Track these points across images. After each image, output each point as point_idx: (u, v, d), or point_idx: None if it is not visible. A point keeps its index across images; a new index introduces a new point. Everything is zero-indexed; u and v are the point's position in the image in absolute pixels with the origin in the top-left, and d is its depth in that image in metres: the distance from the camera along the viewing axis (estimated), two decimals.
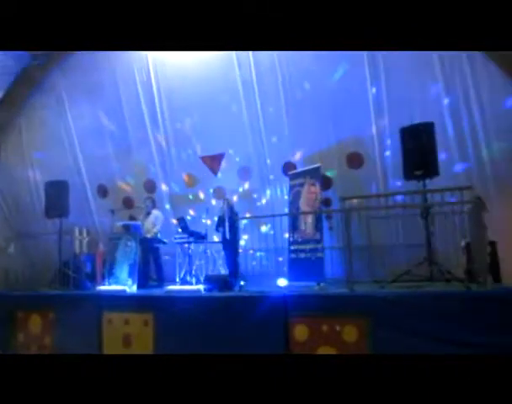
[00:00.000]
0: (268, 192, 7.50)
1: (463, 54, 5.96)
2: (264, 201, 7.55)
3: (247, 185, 7.66)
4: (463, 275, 5.04)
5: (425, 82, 6.25)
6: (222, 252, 7.05)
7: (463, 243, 5.22)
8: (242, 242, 6.91)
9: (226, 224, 6.60)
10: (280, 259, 6.67)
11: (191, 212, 8.02)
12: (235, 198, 7.60)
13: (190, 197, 8.08)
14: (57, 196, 7.68)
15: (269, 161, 7.40)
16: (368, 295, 4.90)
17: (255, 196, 7.59)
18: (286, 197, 7.11)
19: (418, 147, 5.40)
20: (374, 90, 6.58)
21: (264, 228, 7.22)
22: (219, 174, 7.80)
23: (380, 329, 4.57)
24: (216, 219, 7.15)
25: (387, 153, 6.53)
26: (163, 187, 8.20)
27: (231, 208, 6.79)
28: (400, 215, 6.20)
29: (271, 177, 7.44)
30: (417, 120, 5.88)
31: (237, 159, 7.67)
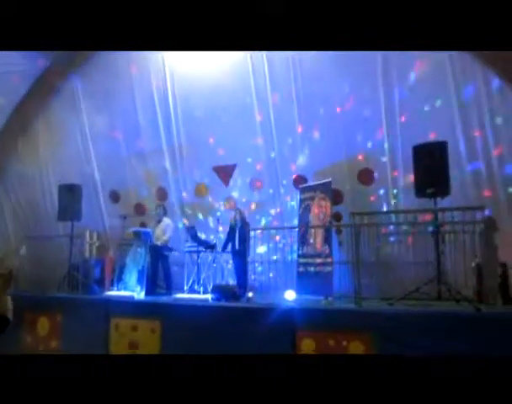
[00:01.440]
0: (278, 204, 7.51)
1: (479, 71, 5.98)
2: (273, 213, 7.57)
3: (257, 197, 7.69)
4: (473, 296, 5.03)
5: (439, 99, 6.27)
6: (231, 263, 7.08)
7: (473, 263, 5.20)
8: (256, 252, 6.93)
9: (237, 234, 6.64)
10: (293, 274, 6.65)
11: (202, 221, 8.06)
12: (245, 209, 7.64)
13: (202, 205, 8.13)
14: (70, 199, 7.79)
15: (280, 173, 7.44)
16: (376, 311, 4.90)
17: (267, 207, 7.61)
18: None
19: (431, 166, 5.39)
20: (387, 105, 6.60)
21: (274, 240, 7.22)
22: (230, 184, 7.85)
23: (386, 346, 4.55)
24: (221, 236, 7.19)
25: (399, 170, 6.53)
26: (175, 195, 8.26)
27: (242, 218, 6.83)
28: (410, 233, 6.20)
29: (282, 190, 7.46)
30: (430, 137, 5.92)
31: (248, 171, 7.71)
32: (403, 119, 6.51)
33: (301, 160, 7.30)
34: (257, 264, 7.03)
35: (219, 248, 6.97)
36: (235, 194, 7.84)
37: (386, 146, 6.64)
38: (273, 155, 7.43)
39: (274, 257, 6.84)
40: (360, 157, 6.87)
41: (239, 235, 6.56)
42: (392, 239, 6.33)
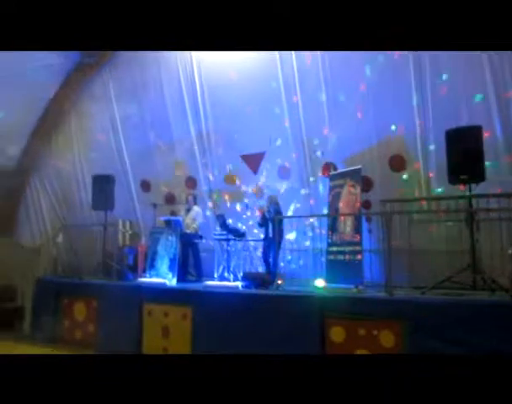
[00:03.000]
0: (307, 192, 7.47)
1: None
2: (302, 201, 7.54)
3: (286, 185, 7.67)
4: (509, 285, 4.88)
5: (474, 83, 6.04)
6: (261, 250, 7.12)
7: (510, 251, 5.04)
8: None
9: (269, 222, 6.62)
10: (323, 261, 6.64)
11: (234, 209, 8.12)
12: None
13: (231, 194, 8.18)
14: (103, 189, 8.00)
15: (308, 160, 7.38)
16: (407, 300, 4.83)
17: (296, 194, 7.58)
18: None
19: (465, 151, 5.23)
20: (419, 90, 6.41)
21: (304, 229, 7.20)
22: (259, 173, 7.85)
23: (418, 336, 4.50)
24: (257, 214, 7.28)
25: (431, 156, 6.36)
26: (204, 184, 8.34)
27: (275, 206, 6.79)
28: (443, 220, 6.06)
29: (311, 179, 7.41)
30: (464, 123, 5.73)
31: (276, 159, 7.68)
32: (436, 102, 6.31)
33: (330, 147, 7.21)
34: (288, 253, 7.04)
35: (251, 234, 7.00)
36: (264, 182, 7.83)
37: (418, 130, 6.47)
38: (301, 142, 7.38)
39: (307, 243, 6.81)
40: (391, 143, 6.72)
41: (272, 223, 6.53)
42: (423, 227, 6.18)
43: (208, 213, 8.21)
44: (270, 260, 6.56)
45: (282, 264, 6.91)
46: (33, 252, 9.34)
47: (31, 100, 8.55)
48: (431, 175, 6.35)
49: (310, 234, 7.16)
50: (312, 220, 7.14)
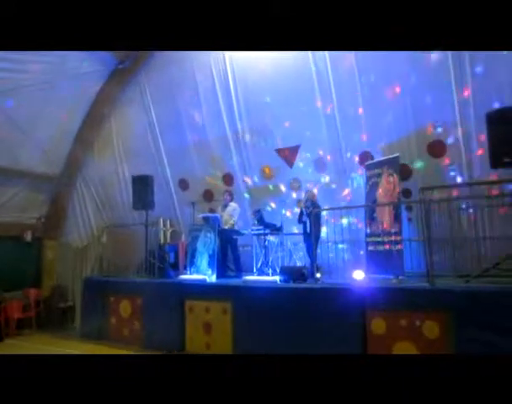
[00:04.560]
0: (344, 183, 7.37)
1: None
2: (340, 192, 7.44)
3: (322, 177, 7.59)
4: None
5: None
6: (301, 244, 7.10)
7: None
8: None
9: (306, 217, 6.59)
10: (362, 253, 6.55)
11: (271, 204, 8.14)
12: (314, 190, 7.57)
13: (268, 188, 8.19)
14: (143, 190, 8.20)
15: (344, 152, 7.26)
16: (451, 289, 4.69)
17: (333, 186, 7.50)
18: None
19: (507, 133, 4.98)
20: (457, 72, 6.16)
21: (342, 220, 7.11)
22: (295, 166, 7.81)
23: (465, 327, 4.37)
24: (296, 210, 7.26)
25: (472, 140, 6.10)
26: (241, 180, 8.40)
27: (313, 201, 6.77)
28: (486, 206, 5.80)
29: (347, 170, 7.30)
30: (506, 104, 5.45)
31: (312, 152, 7.60)
32: (476, 83, 6.04)
33: (366, 136, 7.07)
34: (326, 246, 6.98)
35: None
36: (299, 176, 7.79)
37: (457, 114, 6.22)
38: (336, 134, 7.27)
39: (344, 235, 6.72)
40: (429, 128, 6.50)
41: (309, 217, 6.50)
42: (465, 213, 5.95)
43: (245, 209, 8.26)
44: (310, 254, 6.54)
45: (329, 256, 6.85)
46: (80, 252, 9.77)
47: (72, 108, 8.89)
48: (473, 160, 6.10)
49: (345, 225, 7.05)
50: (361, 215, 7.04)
